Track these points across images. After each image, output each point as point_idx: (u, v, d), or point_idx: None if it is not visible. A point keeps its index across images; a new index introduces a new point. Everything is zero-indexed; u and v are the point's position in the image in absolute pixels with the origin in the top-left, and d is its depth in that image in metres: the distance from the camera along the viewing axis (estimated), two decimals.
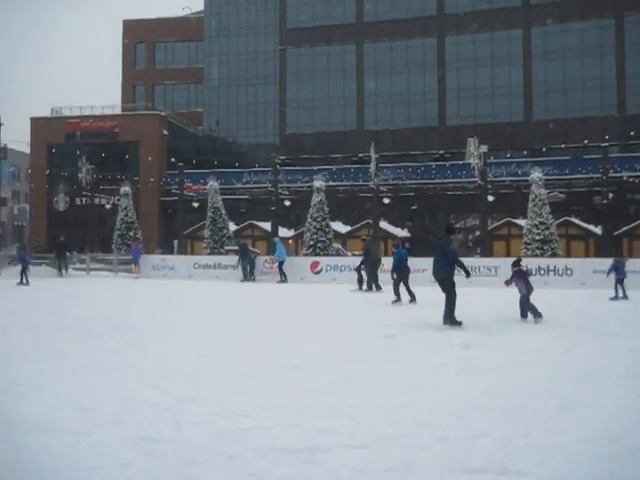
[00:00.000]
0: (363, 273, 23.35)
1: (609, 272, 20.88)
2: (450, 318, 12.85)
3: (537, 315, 13.65)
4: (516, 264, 15.08)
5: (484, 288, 23.72)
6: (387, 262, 29.98)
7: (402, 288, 17.61)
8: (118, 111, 52.89)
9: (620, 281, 20.25)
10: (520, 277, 14.55)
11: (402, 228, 42.49)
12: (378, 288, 22.45)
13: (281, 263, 28.30)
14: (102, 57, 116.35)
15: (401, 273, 18.10)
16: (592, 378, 7.62)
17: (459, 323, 12.69)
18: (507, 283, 15.19)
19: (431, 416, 5.81)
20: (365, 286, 22.97)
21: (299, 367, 8.26)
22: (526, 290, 14.33)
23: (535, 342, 10.65)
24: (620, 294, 20.04)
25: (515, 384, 7.29)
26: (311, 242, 34.39)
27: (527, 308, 14.05)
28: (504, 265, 28.04)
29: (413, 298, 17.55)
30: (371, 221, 38.07)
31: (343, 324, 13.27)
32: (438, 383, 7.36)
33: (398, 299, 17.57)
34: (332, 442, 4.89)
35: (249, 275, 28.88)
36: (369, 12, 49.63)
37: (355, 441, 4.93)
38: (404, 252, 18.99)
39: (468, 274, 13.36)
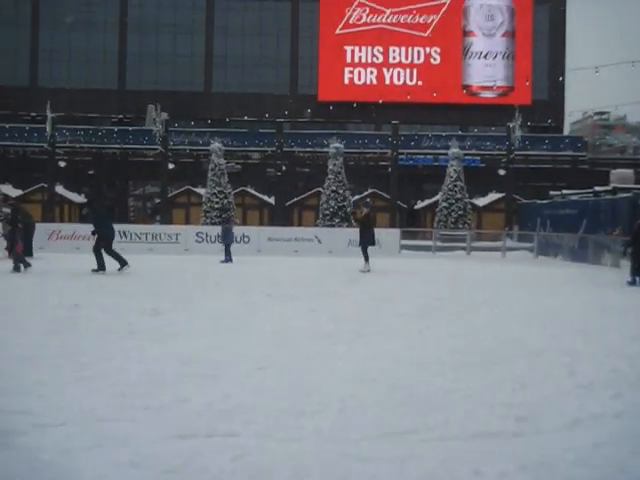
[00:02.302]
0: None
1: (220, 237, 23.03)
2: None
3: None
4: None
5: (165, 255, 23.80)
6: (62, 228, 28.50)
7: None
8: None
9: (228, 245, 22.24)
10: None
11: (79, 193, 40.57)
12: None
13: None
14: None
15: None
16: (279, 338, 8.09)
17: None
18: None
19: (130, 386, 5.67)
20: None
21: None
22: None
23: (221, 307, 10.98)
24: (229, 257, 21.89)
25: (209, 348, 7.42)
26: None
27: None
28: (185, 233, 28.57)
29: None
30: (46, 185, 35.75)
31: (13, 296, 12.29)
32: (132, 351, 7.19)
33: None
34: (27, 423, 4.51)
35: None
36: None
37: (52, 420, 4.61)
38: None
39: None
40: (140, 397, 5.30)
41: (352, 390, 5.63)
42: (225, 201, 34.34)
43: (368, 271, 18.14)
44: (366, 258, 18.60)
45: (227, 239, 22.34)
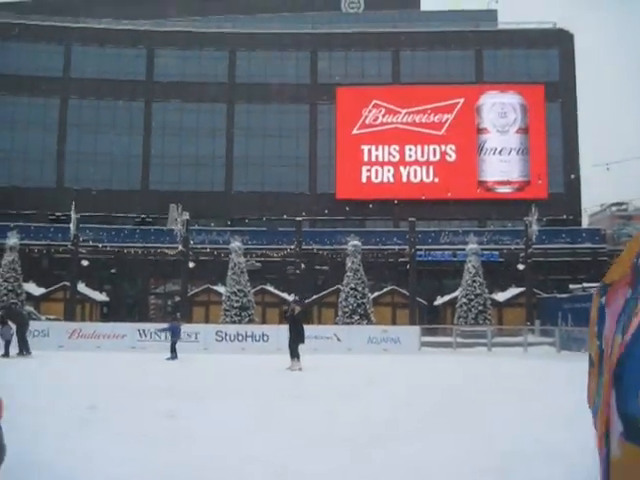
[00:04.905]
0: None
1: (165, 331, 23.27)
2: None
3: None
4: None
5: (185, 353, 23.74)
6: (83, 327, 28.66)
7: None
8: None
9: (174, 342, 22.32)
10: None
11: (100, 292, 40.97)
12: (28, 352, 21.82)
13: None
14: None
15: None
16: (295, 443, 7.96)
17: None
18: None
19: None
20: (3, 350, 21.76)
21: None
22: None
23: (237, 408, 10.87)
24: (175, 354, 21.86)
25: (223, 453, 7.32)
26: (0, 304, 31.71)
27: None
28: (204, 331, 28.53)
29: None
30: (68, 283, 36.19)
31: (30, 395, 12.26)
32: (145, 456, 7.11)
33: None
34: None
35: None
36: (75, 68, 48.24)
37: None
38: None
39: None
40: None
41: None
42: (245, 299, 34.45)
43: (300, 369, 17.83)
44: (297, 357, 18.34)
45: (174, 336, 22.57)
